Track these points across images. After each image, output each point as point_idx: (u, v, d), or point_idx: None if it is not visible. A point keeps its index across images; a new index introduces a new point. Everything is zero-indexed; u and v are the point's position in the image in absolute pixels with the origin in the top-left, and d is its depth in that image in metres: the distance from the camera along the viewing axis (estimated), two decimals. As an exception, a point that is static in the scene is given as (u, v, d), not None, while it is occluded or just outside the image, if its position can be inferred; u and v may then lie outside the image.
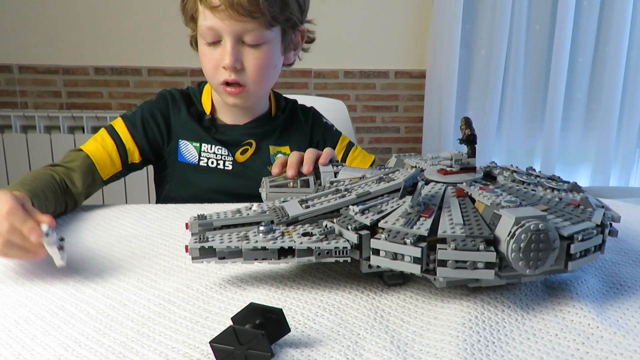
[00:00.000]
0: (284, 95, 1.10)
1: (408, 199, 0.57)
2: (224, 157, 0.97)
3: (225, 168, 0.97)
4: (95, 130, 0.90)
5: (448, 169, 0.65)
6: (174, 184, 0.99)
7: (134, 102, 1.00)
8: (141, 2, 2.13)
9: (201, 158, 0.97)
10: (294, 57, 1.02)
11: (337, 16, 2.25)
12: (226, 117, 1.01)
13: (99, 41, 2.14)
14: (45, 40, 2.12)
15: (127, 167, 0.95)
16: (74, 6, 2.10)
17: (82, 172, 0.87)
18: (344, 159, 1.05)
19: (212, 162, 0.97)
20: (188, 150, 0.97)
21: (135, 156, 0.95)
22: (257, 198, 0.75)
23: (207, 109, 1.00)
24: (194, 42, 0.97)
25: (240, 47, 0.89)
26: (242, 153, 0.99)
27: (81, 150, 0.91)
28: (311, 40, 1.03)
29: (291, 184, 0.72)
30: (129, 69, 2.18)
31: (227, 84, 0.91)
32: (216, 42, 0.89)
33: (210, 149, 0.97)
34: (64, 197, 0.81)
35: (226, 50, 0.88)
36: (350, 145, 1.06)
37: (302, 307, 0.53)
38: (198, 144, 0.97)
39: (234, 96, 0.93)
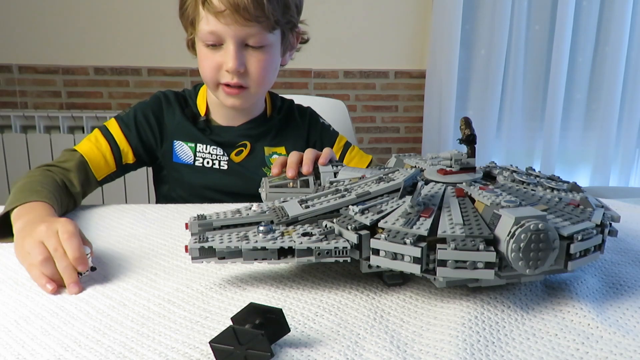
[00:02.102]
0: (283, 95, 1.10)
1: (408, 199, 0.57)
2: (219, 157, 0.98)
3: (221, 167, 0.97)
4: (94, 130, 0.92)
5: (448, 169, 0.65)
6: (172, 184, 1.00)
7: (134, 102, 1.01)
8: (141, 2, 2.13)
9: (196, 158, 0.97)
10: (289, 58, 1.02)
11: (337, 16, 2.25)
12: (220, 118, 1.00)
13: (99, 41, 2.14)
14: (45, 40, 2.11)
15: (122, 168, 0.95)
16: (74, 6, 2.10)
17: (78, 172, 0.87)
18: (341, 159, 1.04)
19: (208, 162, 0.97)
20: (183, 150, 0.97)
21: (129, 157, 0.95)
22: (255, 197, 0.75)
23: (202, 110, 1.00)
24: (191, 45, 0.97)
25: (242, 50, 0.89)
26: (237, 154, 0.99)
27: (75, 150, 0.91)
28: (305, 41, 1.04)
29: (291, 184, 0.72)
30: (129, 69, 2.18)
31: (228, 85, 0.91)
32: (217, 45, 0.89)
33: (206, 149, 0.97)
34: (67, 199, 0.82)
35: (230, 54, 0.87)
36: (347, 146, 1.06)
37: (302, 307, 0.53)
38: (193, 145, 0.97)
39: (234, 97, 0.92)
